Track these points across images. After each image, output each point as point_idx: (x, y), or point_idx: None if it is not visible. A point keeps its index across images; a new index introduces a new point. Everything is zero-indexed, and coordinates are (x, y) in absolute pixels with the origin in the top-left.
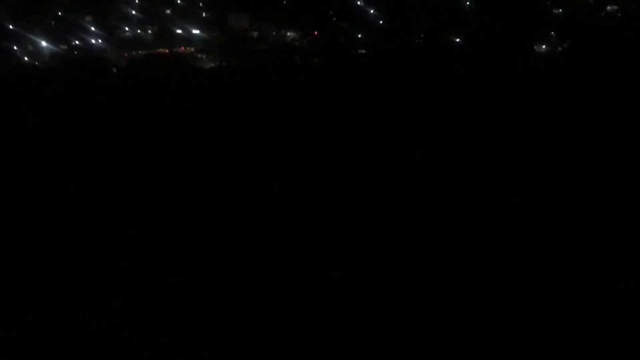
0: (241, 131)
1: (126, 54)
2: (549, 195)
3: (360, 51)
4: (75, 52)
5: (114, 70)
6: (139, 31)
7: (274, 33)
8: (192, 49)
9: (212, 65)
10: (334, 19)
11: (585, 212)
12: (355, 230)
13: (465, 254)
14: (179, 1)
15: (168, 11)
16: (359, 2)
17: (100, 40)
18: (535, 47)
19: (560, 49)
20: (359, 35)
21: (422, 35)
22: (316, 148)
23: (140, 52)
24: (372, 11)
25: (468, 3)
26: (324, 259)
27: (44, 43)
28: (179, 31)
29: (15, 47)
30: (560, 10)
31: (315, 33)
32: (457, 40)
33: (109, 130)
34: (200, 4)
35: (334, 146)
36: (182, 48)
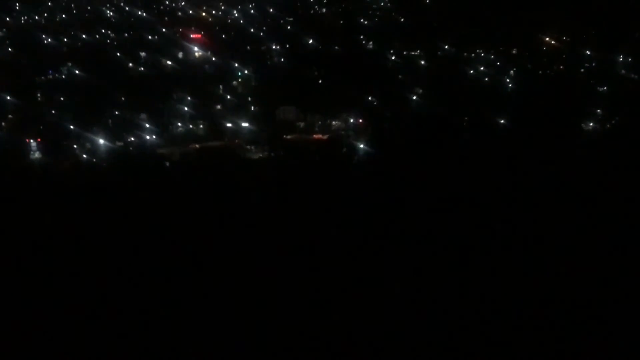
0: (288, 219)
1: (179, 148)
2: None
3: (404, 137)
4: (131, 148)
5: (167, 164)
6: (191, 126)
7: (320, 123)
8: (241, 141)
9: (261, 155)
10: (376, 104)
11: None
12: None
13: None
14: (228, 97)
15: (218, 107)
16: (403, 86)
17: (154, 136)
18: (582, 124)
19: (608, 125)
20: (403, 120)
21: (466, 117)
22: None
23: (192, 145)
24: (414, 97)
25: (510, 85)
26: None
27: (101, 141)
28: (228, 125)
29: (74, 146)
30: (605, 88)
31: (360, 121)
32: (502, 121)
33: (164, 222)
34: (249, 99)
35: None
36: (233, 140)
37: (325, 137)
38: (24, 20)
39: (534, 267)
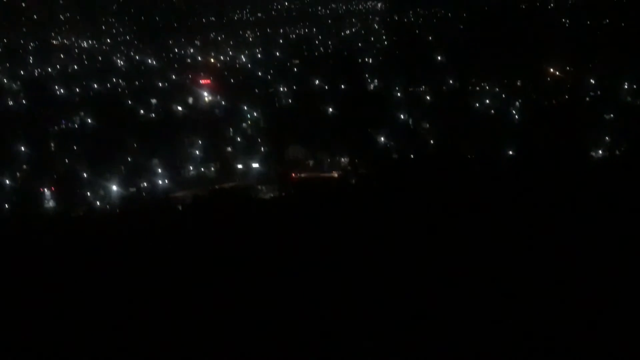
0: (303, 261)
1: (191, 191)
2: None
3: (413, 169)
4: (143, 194)
5: (179, 208)
6: (202, 169)
7: (329, 160)
8: (252, 182)
9: (272, 195)
10: (383, 139)
11: None
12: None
13: None
14: (238, 139)
15: (229, 149)
16: (410, 122)
17: (166, 181)
18: (592, 152)
19: (617, 152)
20: (411, 155)
21: (474, 149)
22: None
23: (204, 188)
24: (422, 132)
25: (516, 116)
26: None
27: (114, 187)
28: (239, 166)
29: (88, 193)
30: (612, 115)
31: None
32: (510, 152)
33: (177, 269)
34: (259, 140)
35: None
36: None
37: (335, 174)
38: (38, 72)
39: (540, 304)
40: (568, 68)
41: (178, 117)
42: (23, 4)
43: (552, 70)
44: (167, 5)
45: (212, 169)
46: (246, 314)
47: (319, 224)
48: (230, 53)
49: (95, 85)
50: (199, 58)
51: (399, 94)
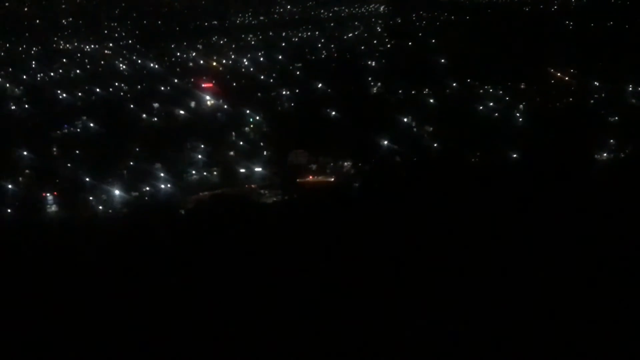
0: (305, 266)
1: (193, 196)
2: None
3: (415, 172)
4: (146, 198)
5: (182, 212)
6: (204, 173)
7: (331, 164)
8: (255, 186)
9: (275, 199)
10: (386, 142)
11: None
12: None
13: None
14: (241, 143)
15: (231, 153)
16: (413, 125)
17: (169, 185)
18: (595, 155)
19: (622, 155)
20: (414, 159)
21: (477, 152)
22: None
23: (206, 192)
24: (425, 135)
25: (521, 119)
26: None
27: (116, 192)
28: (242, 170)
29: (90, 198)
30: (616, 118)
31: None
32: (514, 155)
33: (180, 272)
34: (261, 144)
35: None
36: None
37: (336, 179)
38: (40, 77)
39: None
40: (572, 71)
41: (180, 122)
42: (25, 9)
43: (556, 73)
44: (169, 10)
45: (215, 173)
46: (250, 316)
47: (324, 227)
48: (233, 57)
49: (98, 90)
50: (201, 62)
51: (401, 97)
